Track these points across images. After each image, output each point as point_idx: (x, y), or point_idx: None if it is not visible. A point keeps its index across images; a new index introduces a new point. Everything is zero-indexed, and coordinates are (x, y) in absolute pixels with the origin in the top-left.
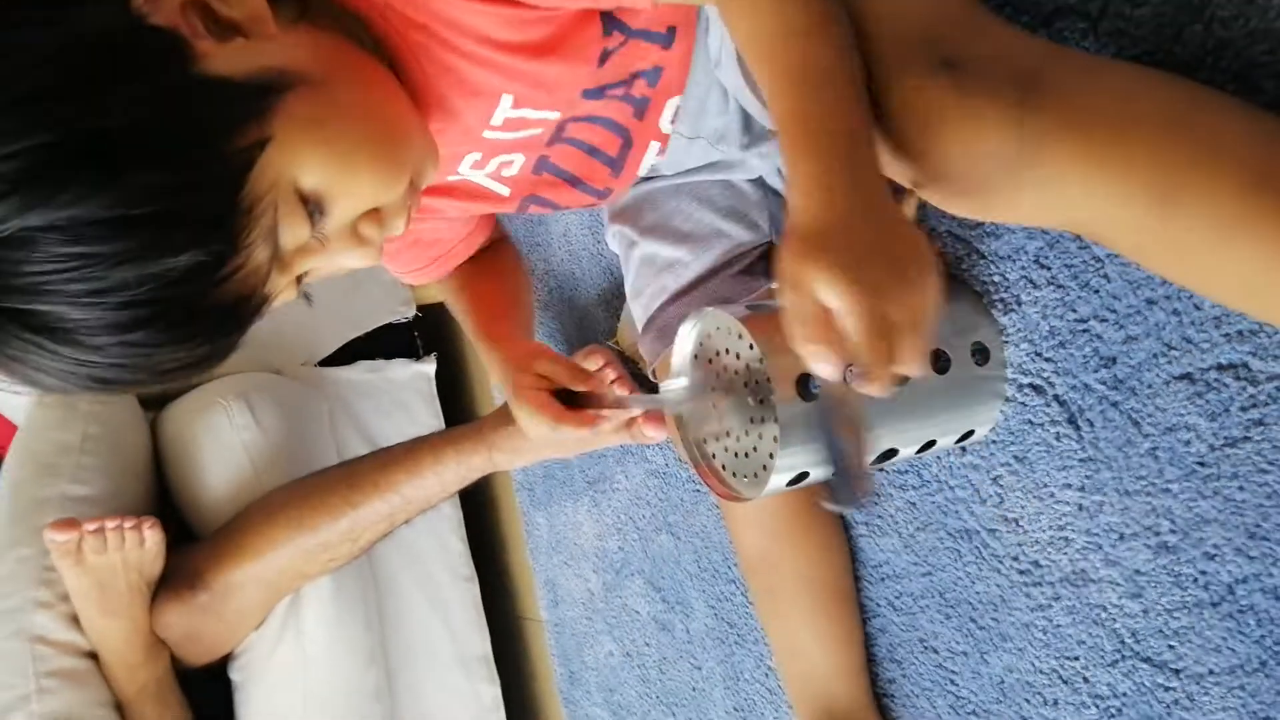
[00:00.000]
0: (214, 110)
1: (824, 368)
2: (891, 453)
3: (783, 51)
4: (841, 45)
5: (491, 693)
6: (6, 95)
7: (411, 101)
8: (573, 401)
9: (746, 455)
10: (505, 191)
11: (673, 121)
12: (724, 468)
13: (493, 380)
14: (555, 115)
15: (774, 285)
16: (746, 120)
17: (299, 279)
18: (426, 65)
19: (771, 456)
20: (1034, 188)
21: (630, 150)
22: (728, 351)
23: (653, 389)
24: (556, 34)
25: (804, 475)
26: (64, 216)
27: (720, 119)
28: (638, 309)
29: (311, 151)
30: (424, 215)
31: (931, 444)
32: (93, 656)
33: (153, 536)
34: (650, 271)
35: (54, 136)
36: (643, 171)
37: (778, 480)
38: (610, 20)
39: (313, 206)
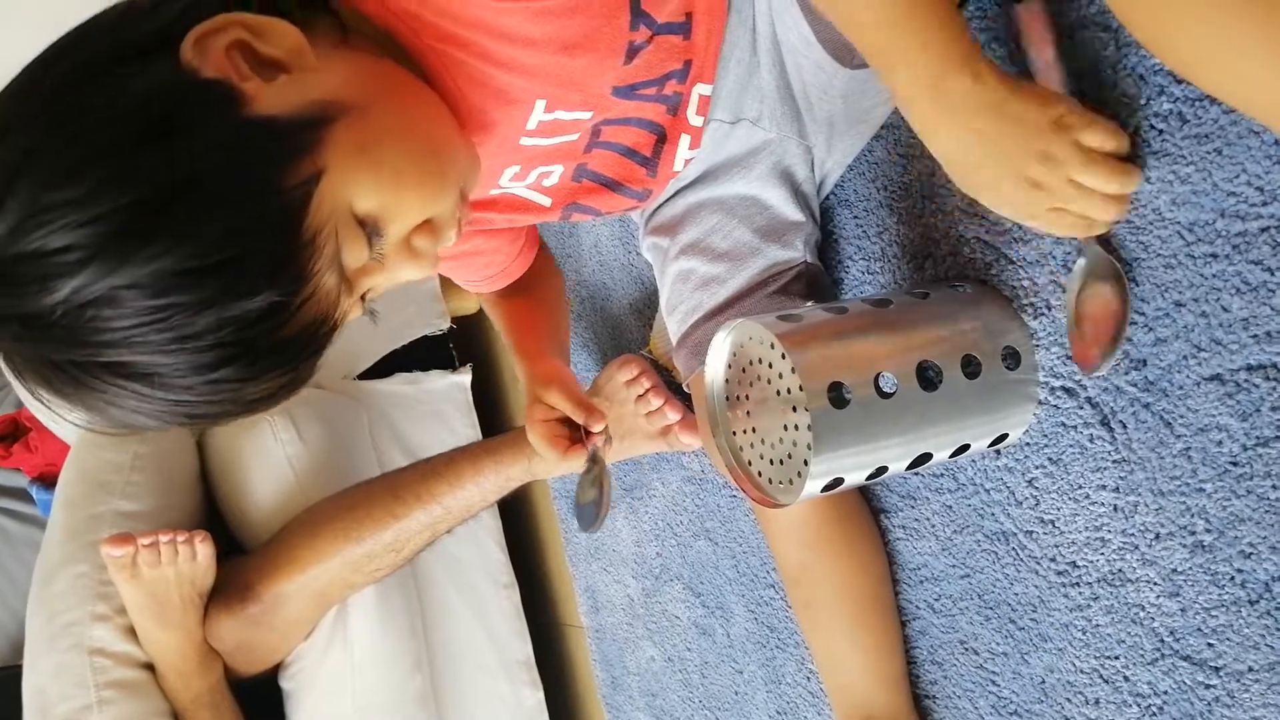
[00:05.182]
0: (267, 153)
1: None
2: (926, 457)
3: None
4: None
5: (535, 697)
6: (77, 164)
7: (452, 114)
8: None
9: (782, 462)
10: (546, 202)
11: (698, 112)
12: (759, 474)
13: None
14: (588, 115)
15: (810, 305)
16: (790, 98)
17: (363, 297)
18: (460, 80)
19: (806, 463)
20: None
21: (664, 147)
22: (761, 361)
23: (688, 399)
24: (585, 27)
25: (839, 481)
26: (145, 274)
27: (760, 103)
28: (673, 324)
29: (363, 177)
30: (471, 225)
31: (965, 448)
32: (149, 667)
33: (204, 550)
34: (686, 288)
35: (126, 200)
36: (678, 166)
37: (813, 486)
38: (637, 13)
39: (369, 228)
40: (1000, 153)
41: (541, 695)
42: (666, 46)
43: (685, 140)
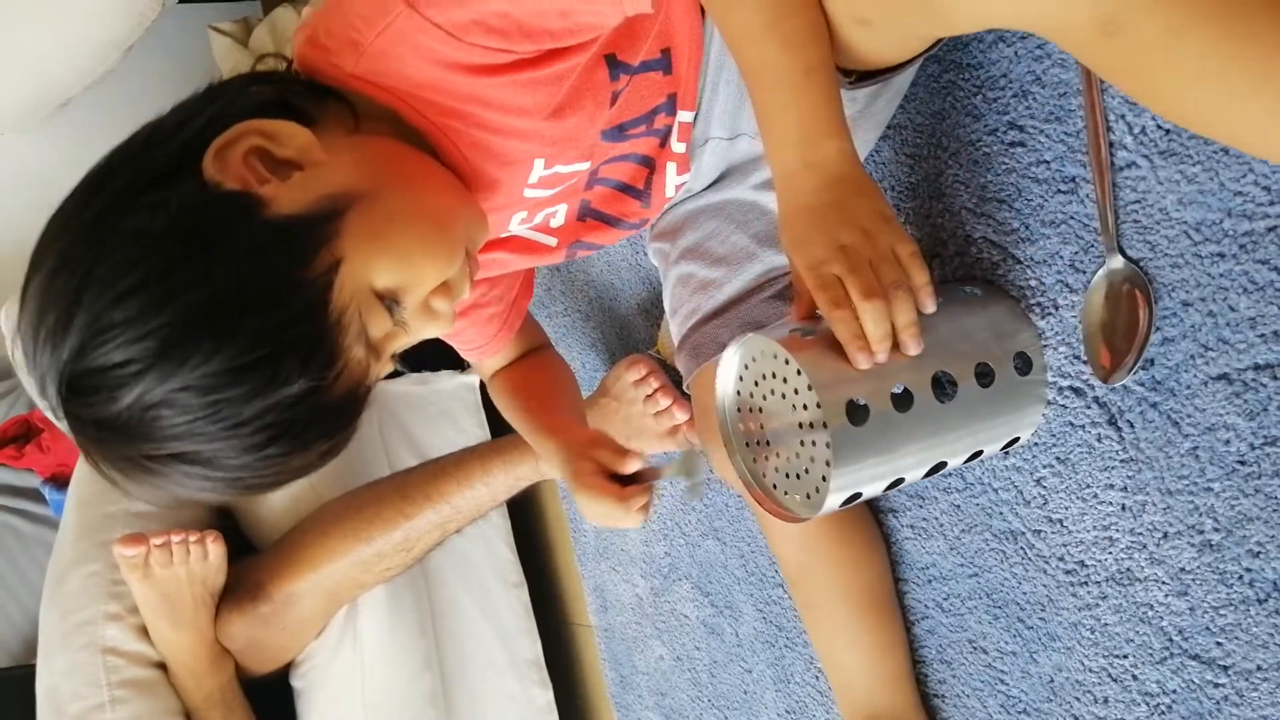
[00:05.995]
0: (289, 254)
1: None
2: (941, 465)
3: (738, 54)
4: (793, 39)
5: (544, 697)
6: (126, 284)
7: (456, 179)
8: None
9: (799, 476)
10: (553, 242)
11: (679, 138)
12: (774, 486)
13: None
14: (585, 166)
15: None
16: None
17: (391, 356)
18: (463, 147)
19: (824, 479)
20: None
21: (654, 176)
22: (774, 375)
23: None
24: (570, 91)
25: (858, 495)
26: (195, 377)
27: None
28: (674, 327)
29: (378, 258)
30: (484, 269)
31: (979, 454)
32: (161, 666)
33: (215, 549)
34: (685, 291)
35: (172, 315)
36: (670, 192)
37: (833, 500)
38: (614, 64)
39: (389, 301)
40: (832, 216)
41: (551, 694)
42: (648, 84)
43: (672, 167)
